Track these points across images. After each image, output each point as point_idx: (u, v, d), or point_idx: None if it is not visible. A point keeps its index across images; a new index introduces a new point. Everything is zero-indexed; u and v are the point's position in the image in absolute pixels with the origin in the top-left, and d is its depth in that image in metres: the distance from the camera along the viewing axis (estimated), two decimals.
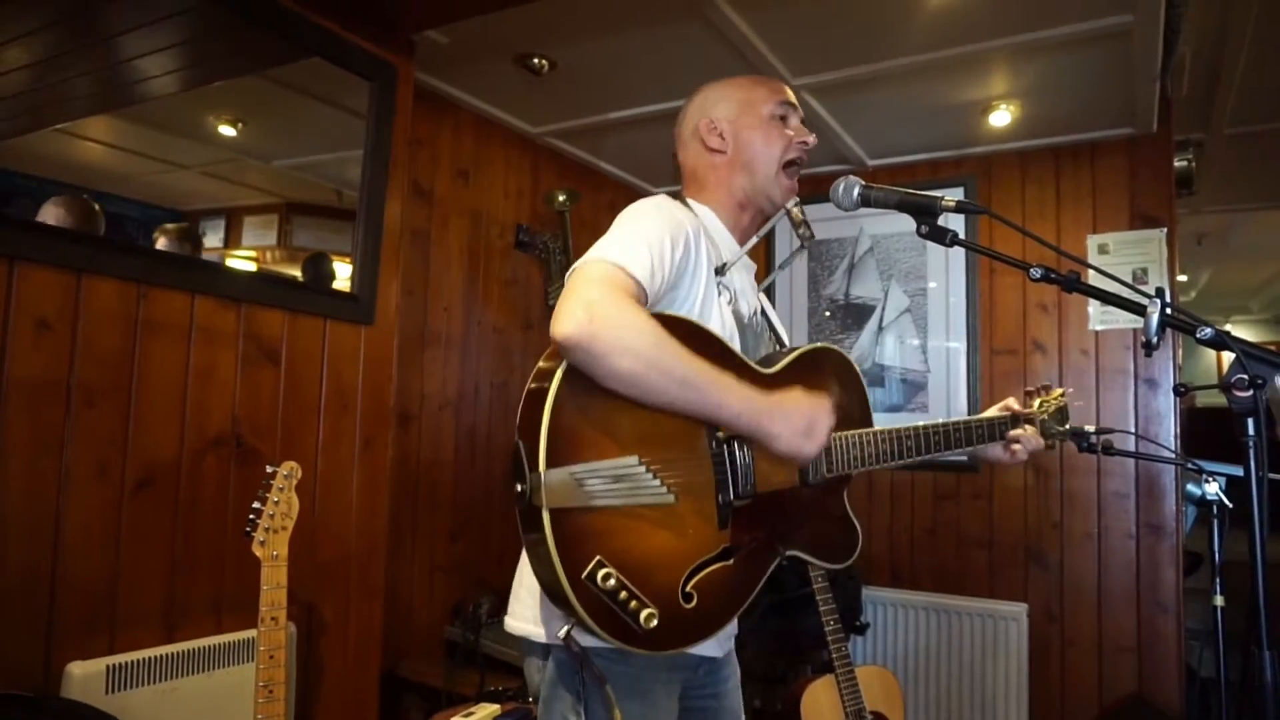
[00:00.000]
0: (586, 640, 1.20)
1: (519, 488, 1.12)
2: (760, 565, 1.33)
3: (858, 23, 2.57)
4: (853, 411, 1.50)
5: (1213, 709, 3.42)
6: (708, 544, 1.24)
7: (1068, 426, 1.81)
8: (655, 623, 1.13)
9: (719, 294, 1.42)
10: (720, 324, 1.40)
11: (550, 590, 1.14)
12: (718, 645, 1.43)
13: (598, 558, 1.11)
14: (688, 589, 1.20)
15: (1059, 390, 1.84)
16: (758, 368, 1.38)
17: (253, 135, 2.44)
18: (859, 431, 1.45)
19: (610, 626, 1.12)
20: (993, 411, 1.72)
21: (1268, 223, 5.62)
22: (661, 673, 1.31)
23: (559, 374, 1.13)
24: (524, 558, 1.34)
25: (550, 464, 1.09)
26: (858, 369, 1.55)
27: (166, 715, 1.89)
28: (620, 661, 1.25)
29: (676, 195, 1.55)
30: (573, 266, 1.22)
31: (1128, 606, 3.28)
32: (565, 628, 1.20)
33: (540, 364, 1.19)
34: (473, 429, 3.30)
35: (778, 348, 1.59)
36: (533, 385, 1.17)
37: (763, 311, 1.61)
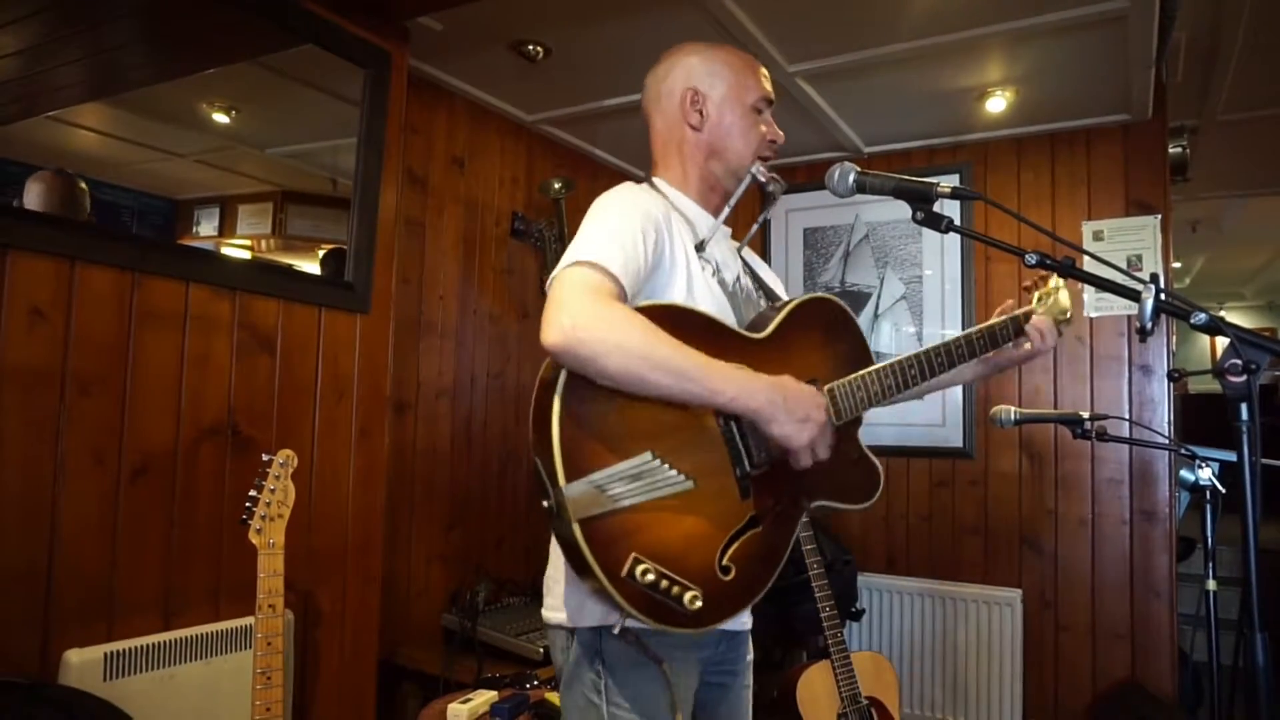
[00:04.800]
0: (629, 622, 1.23)
1: (545, 504, 1.15)
2: (790, 522, 1.36)
3: (853, 8, 2.56)
4: (851, 356, 1.49)
5: (1206, 693, 3.45)
6: (735, 516, 1.27)
7: (1069, 316, 1.72)
8: (699, 603, 1.16)
9: (702, 269, 1.42)
10: (710, 299, 1.40)
11: (596, 591, 1.17)
12: (735, 620, 1.44)
13: (633, 555, 1.14)
14: (724, 562, 1.24)
15: (1055, 279, 1.74)
16: (749, 334, 1.37)
17: (247, 123, 2.42)
18: (860, 373, 1.43)
19: (656, 614, 1.15)
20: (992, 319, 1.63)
21: (1261, 209, 5.62)
22: (679, 651, 1.34)
23: (560, 387, 1.15)
24: (551, 552, 1.39)
25: (569, 477, 1.12)
26: (850, 312, 1.53)
27: (165, 702, 1.89)
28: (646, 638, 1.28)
29: (644, 179, 1.54)
30: (551, 274, 1.24)
31: (1121, 592, 3.30)
32: (618, 623, 1.24)
33: (542, 374, 1.21)
34: (469, 418, 3.30)
35: (769, 304, 1.58)
36: (537, 401, 1.19)
37: (751, 272, 1.61)
